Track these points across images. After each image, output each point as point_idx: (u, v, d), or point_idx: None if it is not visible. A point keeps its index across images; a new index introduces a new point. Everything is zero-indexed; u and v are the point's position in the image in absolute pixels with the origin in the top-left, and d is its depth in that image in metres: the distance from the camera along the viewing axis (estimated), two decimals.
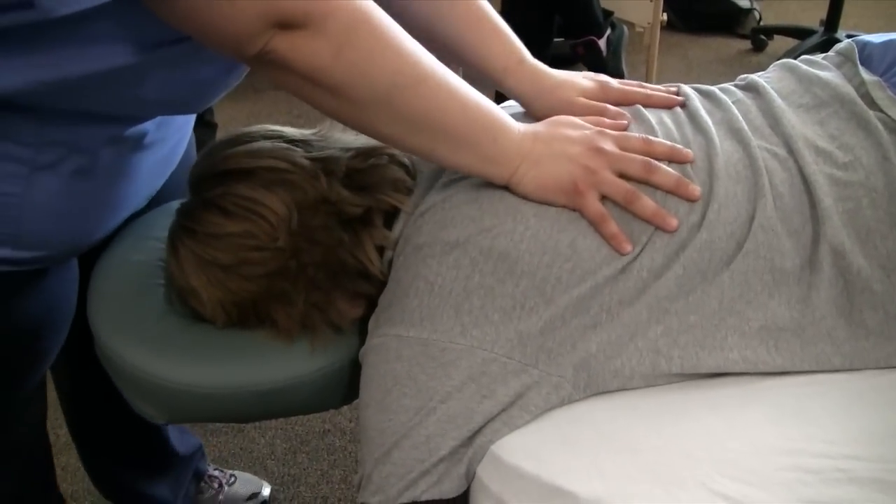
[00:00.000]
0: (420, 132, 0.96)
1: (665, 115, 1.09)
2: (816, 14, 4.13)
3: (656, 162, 0.99)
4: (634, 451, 0.88)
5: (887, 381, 0.94)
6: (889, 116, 1.02)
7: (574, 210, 0.97)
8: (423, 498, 0.93)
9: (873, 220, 0.96)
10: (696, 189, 0.97)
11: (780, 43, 4.06)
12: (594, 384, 0.95)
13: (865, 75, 1.08)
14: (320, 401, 1.09)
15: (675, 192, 0.97)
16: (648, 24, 3.34)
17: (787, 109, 1.07)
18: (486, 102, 0.98)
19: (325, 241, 1.03)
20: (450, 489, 0.94)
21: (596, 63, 3.25)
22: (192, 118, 1.30)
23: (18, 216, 0.99)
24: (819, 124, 1.05)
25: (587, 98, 1.12)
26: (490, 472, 0.92)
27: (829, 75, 1.11)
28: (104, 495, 1.72)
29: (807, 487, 0.82)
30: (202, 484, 1.83)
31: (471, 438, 0.93)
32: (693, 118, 1.08)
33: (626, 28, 3.33)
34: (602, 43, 3.18)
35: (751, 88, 1.14)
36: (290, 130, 1.11)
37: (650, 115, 1.08)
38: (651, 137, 1.02)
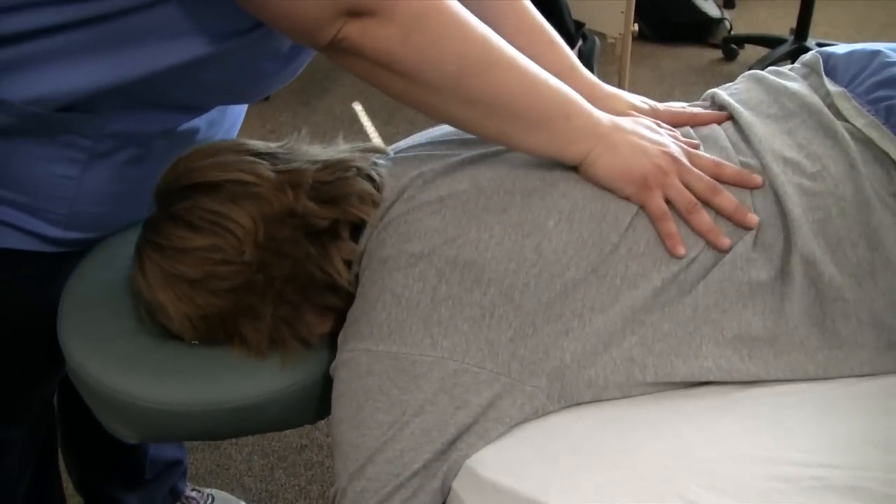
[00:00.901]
0: (492, 115, 0.98)
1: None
2: (787, 23, 4.17)
3: (720, 185, 1.00)
4: (612, 465, 0.88)
5: (861, 389, 0.94)
6: (854, 126, 1.03)
7: (533, 217, 0.98)
8: None
9: (843, 228, 0.96)
10: (754, 218, 0.98)
11: (751, 52, 4.09)
12: (568, 394, 0.95)
13: (830, 86, 1.09)
14: (293, 417, 1.08)
15: (732, 217, 0.98)
16: (620, 34, 3.35)
17: (756, 121, 1.08)
18: (558, 83, 0.99)
19: (293, 253, 1.02)
20: (424, 503, 0.93)
21: None
22: (240, 121, 1.36)
23: (72, 198, 1.08)
24: (787, 134, 1.06)
25: (637, 112, 1.13)
26: (466, 486, 0.91)
27: (797, 86, 1.12)
28: (74, 485, 1.70)
29: (783, 496, 0.82)
30: None
31: (445, 452, 0.92)
32: (705, 139, 1.09)
33: (597, 39, 3.35)
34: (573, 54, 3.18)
35: (718, 107, 1.16)
36: (256, 143, 1.10)
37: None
38: (722, 161, 1.03)
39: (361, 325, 0.98)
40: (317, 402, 1.06)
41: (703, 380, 0.96)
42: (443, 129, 1.19)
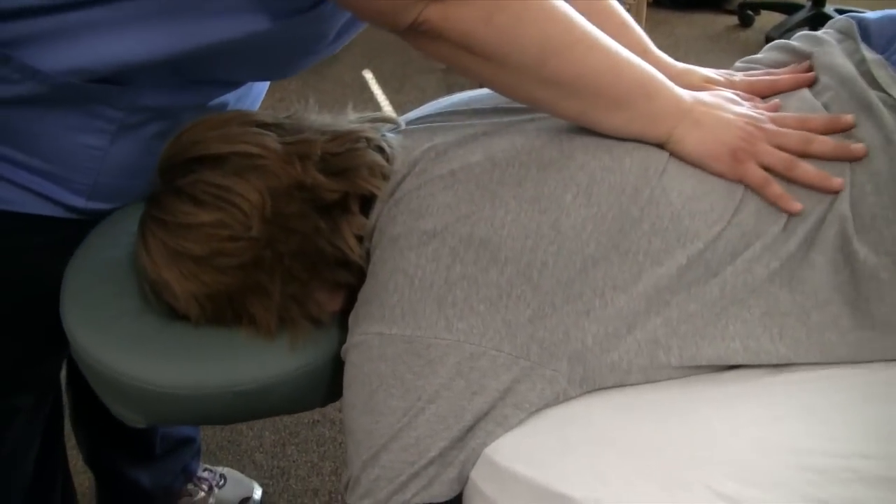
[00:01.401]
0: (573, 95, 0.96)
1: None
2: None
3: (812, 133, 0.97)
4: (635, 453, 0.84)
5: (894, 374, 0.90)
6: (891, 96, 0.98)
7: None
8: (414, 502, 0.90)
9: (878, 205, 0.92)
10: (859, 147, 0.95)
11: (768, 18, 4.02)
12: (590, 379, 0.91)
13: (867, 53, 1.04)
14: (301, 400, 1.05)
15: (836, 157, 0.95)
16: (634, 0, 3.31)
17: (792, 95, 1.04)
18: (639, 62, 0.98)
19: (302, 228, 0.98)
20: (440, 493, 0.90)
21: None
22: (263, 94, 1.35)
23: (98, 169, 1.08)
24: (821, 109, 1.01)
25: (712, 85, 1.11)
26: (485, 475, 0.88)
27: (829, 56, 1.07)
28: (84, 460, 1.68)
29: (813, 488, 0.78)
30: (190, 486, 1.78)
31: (462, 440, 0.89)
32: None
33: None
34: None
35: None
36: (262, 114, 1.06)
37: None
38: (807, 114, 1.00)
39: (373, 306, 0.94)
40: (326, 385, 1.03)
41: (731, 363, 0.92)
42: (454, 99, 1.15)
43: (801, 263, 0.92)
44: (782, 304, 0.92)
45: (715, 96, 1.03)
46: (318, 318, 1.02)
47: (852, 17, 1.11)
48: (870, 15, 1.12)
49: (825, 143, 0.96)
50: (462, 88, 1.22)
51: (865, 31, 1.09)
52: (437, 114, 1.12)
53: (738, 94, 1.06)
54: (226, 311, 1.01)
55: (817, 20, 3.71)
